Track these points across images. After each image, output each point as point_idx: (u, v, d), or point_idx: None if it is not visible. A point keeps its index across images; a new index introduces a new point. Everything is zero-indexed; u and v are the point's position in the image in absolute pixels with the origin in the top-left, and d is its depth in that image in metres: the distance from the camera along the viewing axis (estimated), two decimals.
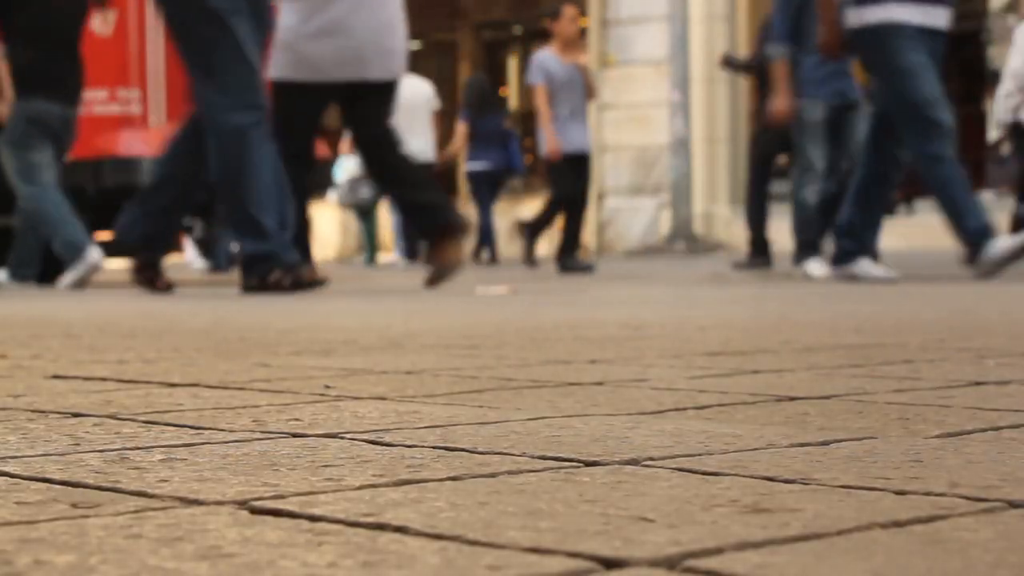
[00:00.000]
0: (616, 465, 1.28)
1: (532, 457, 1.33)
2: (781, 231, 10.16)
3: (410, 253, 15.00)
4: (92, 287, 7.79)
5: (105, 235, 10.80)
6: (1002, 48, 15.36)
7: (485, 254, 14.69)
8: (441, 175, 15.33)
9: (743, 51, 17.77)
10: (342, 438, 1.48)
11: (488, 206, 14.89)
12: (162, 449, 1.41)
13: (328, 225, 20.05)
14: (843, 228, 7.03)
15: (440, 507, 1.07)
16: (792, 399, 1.82)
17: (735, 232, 17.31)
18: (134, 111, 9.47)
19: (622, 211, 18.48)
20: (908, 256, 12.80)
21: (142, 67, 9.51)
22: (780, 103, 8.48)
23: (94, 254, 7.77)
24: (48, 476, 1.24)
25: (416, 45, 22.73)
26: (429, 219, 6.71)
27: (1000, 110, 10.49)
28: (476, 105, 14.79)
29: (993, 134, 10.97)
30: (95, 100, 9.45)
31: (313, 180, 9.94)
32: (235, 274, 9.36)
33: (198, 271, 13.38)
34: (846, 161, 8.40)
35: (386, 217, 16.71)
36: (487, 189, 14.78)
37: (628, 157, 18.35)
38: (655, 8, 17.78)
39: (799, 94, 8.46)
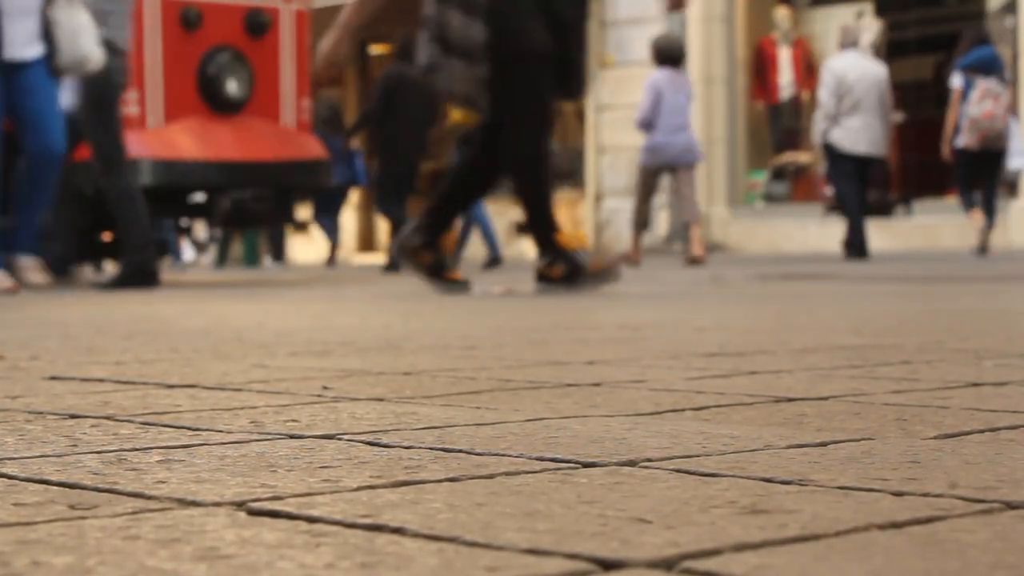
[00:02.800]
0: (614, 466, 1.28)
1: (530, 458, 1.33)
2: None
3: (276, 254, 16.66)
4: (87, 288, 7.79)
5: (106, 236, 10.76)
6: (1001, 49, 15.36)
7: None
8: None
9: (741, 52, 17.79)
10: (340, 439, 1.48)
11: (333, 216, 17.18)
12: (160, 450, 1.41)
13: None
14: None
15: (438, 508, 1.07)
16: (790, 400, 1.82)
17: (733, 233, 17.31)
18: (132, 112, 9.44)
19: (620, 212, 18.50)
20: (906, 256, 12.79)
21: (140, 69, 9.47)
22: None
23: None
24: (46, 477, 1.24)
25: None
26: None
27: (815, 133, 12.83)
28: (325, 126, 16.46)
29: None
30: None
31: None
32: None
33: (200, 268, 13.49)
34: None
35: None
36: (329, 202, 16.75)
37: (626, 158, 18.35)
38: (653, 9, 17.79)
39: None
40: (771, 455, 1.33)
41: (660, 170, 12.31)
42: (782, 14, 17.87)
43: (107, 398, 1.92)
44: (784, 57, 17.86)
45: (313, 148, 10.12)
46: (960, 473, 1.22)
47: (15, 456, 1.37)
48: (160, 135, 9.36)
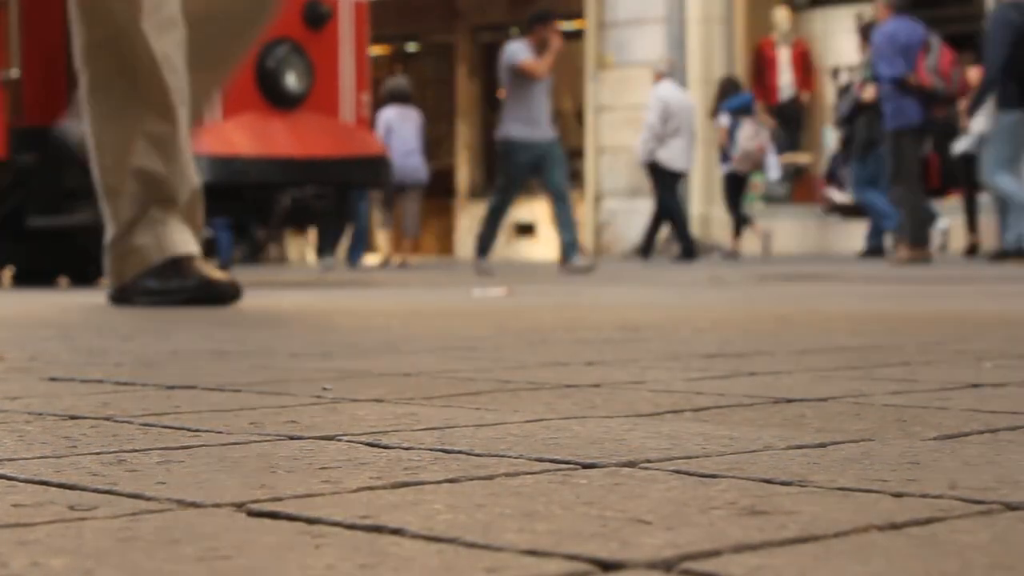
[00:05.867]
0: (613, 467, 1.28)
1: (529, 459, 1.33)
2: None
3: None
4: (92, 288, 7.78)
5: None
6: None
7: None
8: None
9: (740, 53, 17.79)
10: (340, 440, 1.48)
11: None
12: (159, 451, 1.41)
13: None
14: None
15: (438, 509, 1.07)
16: (789, 401, 1.82)
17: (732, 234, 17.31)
18: None
19: (619, 213, 18.49)
20: None
21: None
22: None
23: None
24: (45, 478, 1.24)
25: (413, 47, 22.74)
26: None
27: (640, 151, 15.09)
28: None
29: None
30: None
31: None
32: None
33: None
34: None
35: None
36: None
37: (625, 159, 18.36)
38: (652, 10, 17.80)
39: None
40: (771, 456, 1.33)
41: (395, 187, 14.76)
42: (781, 15, 17.87)
43: (106, 399, 1.92)
44: (783, 58, 17.86)
45: (372, 144, 9.70)
46: (959, 474, 1.22)
47: (14, 457, 1.37)
48: (217, 131, 9.07)
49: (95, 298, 5.62)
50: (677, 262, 14.37)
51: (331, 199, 9.57)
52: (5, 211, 9.30)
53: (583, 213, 18.36)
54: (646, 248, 15.43)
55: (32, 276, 9.82)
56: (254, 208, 9.50)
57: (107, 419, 1.69)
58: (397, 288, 7.61)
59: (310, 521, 1.03)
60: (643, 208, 18.53)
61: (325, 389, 2.01)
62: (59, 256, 9.87)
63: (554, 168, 11.23)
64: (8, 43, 9.49)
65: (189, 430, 1.57)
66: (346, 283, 8.86)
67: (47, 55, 9.59)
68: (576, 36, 19.62)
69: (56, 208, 9.22)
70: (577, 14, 19.21)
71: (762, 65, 17.79)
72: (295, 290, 7.57)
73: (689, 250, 14.81)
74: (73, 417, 1.71)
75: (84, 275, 10.18)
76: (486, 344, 2.96)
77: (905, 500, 1.09)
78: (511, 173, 11.42)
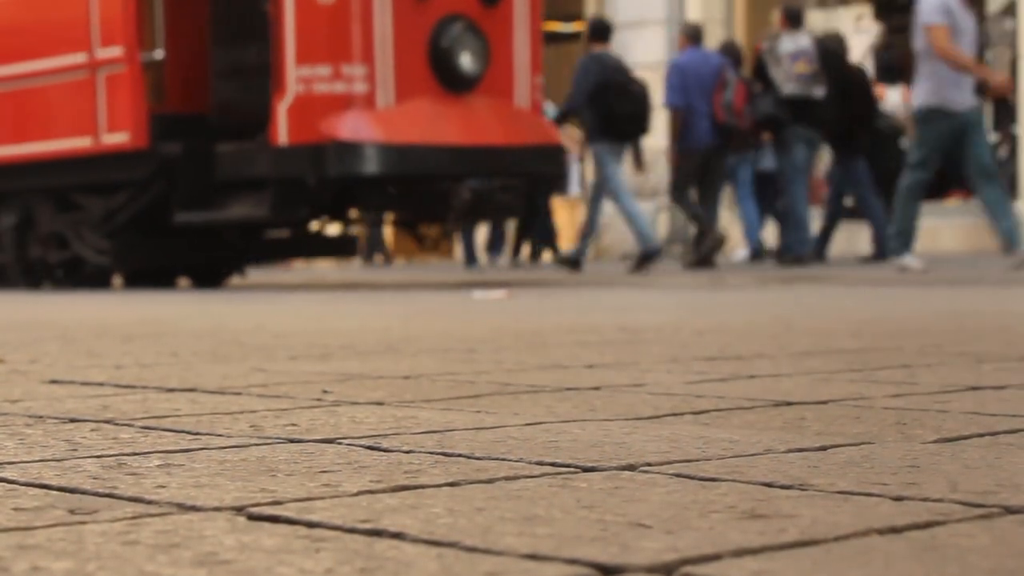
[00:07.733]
0: (613, 471, 1.28)
1: (529, 463, 1.33)
2: None
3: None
4: (92, 290, 7.77)
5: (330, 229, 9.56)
6: (1000, 51, 15.40)
7: None
8: None
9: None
10: (339, 443, 1.48)
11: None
12: (159, 455, 1.40)
13: None
14: None
15: (437, 513, 1.07)
16: (789, 404, 1.82)
17: (733, 235, 17.32)
18: (359, 90, 8.05)
19: (619, 214, 18.50)
20: None
21: (368, 40, 8.10)
22: None
23: None
24: (45, 482, 1.24)
25: None
26: None
27: None
28: None
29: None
30: (316, 78, 8.04)
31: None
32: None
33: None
34: None
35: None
36: None
37: (627, 161, 18.37)
38: (653, 12, 17.81)
39: None
40: (771, 459, 1.33)
41: None
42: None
43: (106, 402, 1.92)
44: None
45: (550, 132, 8.87)
46: (959, 477, 1.22)
47: (15, 460, 1.37)
48: (391, 116, 8.07)
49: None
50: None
51: (520, 193, 8.72)
52: (144, 204, 8.48)
53: (582, 214, 18.39)
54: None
55: (146, 276, 9.09)
56: (431, 201, 8.49)
57: (107, 422, 1.68)
58: (398, 291, 7.61)
59: (310, 525, 1.03)
60: (644, 210, 18.50)
61: (325, 392, 2.01)
62: (190, 254, 9.04)
63: (977, 141, 9.75)
64: (151, 21, 8.76)
65: (189, 433, 1.57)
66: (348, 283, 8.85)
67: (193, 36, 8.82)
68: (576, 37, 19.60)
69: (204, 202, 8.18)
70: (577, 15, 19.22)
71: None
72: (293, 291, 7.54)
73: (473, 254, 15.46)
74: (73, 420, 1.71)
75: (212, 275, 9.38)
76: (486, 346, 2.96)
77: (905, 504, 1.09)
78: (930, 144, 9.75)
